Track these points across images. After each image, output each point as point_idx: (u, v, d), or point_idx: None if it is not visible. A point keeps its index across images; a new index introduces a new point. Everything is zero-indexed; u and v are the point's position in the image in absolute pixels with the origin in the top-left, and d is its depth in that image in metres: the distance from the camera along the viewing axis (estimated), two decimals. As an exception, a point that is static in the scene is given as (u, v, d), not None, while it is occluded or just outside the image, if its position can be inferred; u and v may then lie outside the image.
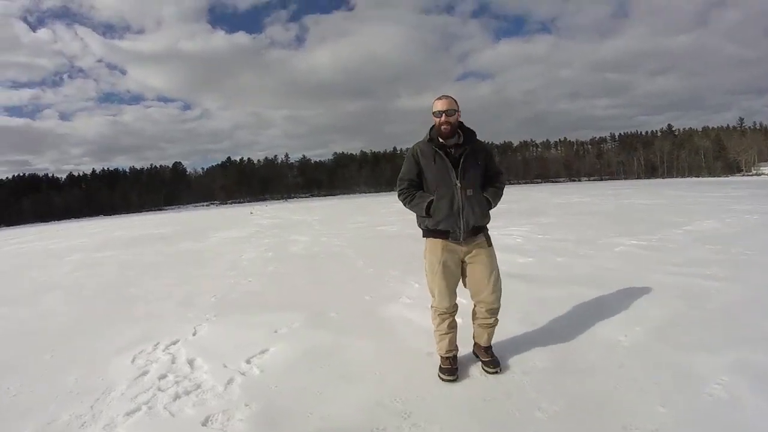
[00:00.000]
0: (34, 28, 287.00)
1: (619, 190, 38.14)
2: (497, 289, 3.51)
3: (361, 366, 3.89)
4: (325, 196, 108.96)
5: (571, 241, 9.33)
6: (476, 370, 3.65)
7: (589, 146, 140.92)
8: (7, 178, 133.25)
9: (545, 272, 6.64)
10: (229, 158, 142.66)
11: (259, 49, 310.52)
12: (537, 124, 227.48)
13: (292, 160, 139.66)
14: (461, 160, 3.28)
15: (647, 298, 5.18)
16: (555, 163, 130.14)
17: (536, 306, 5.06)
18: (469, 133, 3.42)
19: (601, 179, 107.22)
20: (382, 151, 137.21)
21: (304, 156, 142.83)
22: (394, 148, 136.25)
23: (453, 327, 3.63)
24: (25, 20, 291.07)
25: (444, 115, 3.26)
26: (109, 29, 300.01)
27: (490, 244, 3.53)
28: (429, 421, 2.98)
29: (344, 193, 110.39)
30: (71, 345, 5.16)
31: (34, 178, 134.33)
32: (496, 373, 3.54)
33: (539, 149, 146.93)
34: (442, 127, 3.27)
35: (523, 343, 4.08)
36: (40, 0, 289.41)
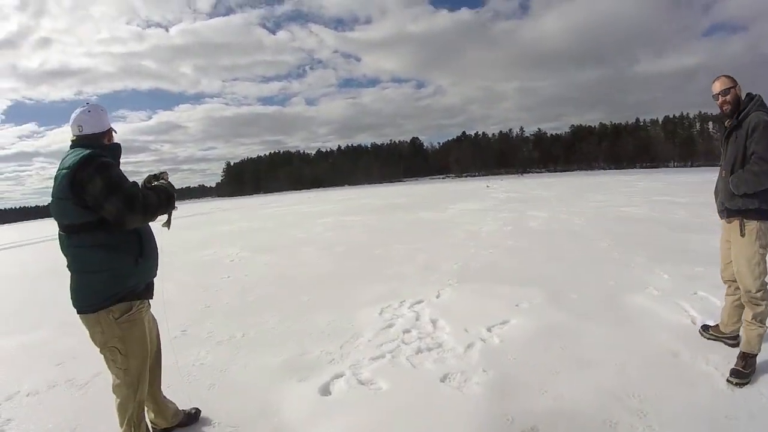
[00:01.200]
0: (273, 32, 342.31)
1: None
2: (754, 276, 3.26)
3: (600, 353, 3.70)
4: (561, 171, 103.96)
5: None
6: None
7: None
8: (265, 154, 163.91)
9: None
10: (463, 132, 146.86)
11: (483, 22, 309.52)
12: None
13: (526, 134, 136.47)
14: (727, 140, 3.36)
15: None
16: None
17: None
18: (744, 107, 3.27)
19: None
20: (623, 123, 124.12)
21: (539, 129, 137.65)
22: (637, 120, 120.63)
23: (736, 307, 3.56)
24: (263, 26, 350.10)
25: (719, 96, 3.31)
26: (339, 23, 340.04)
27: (743, 234, 3.30)
28: (664, 426, 2.72)
29: (582, 169, 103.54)
30: (325, 292, 5.95)
31: (287, 153, 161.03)
32: (737, 385, 3.15)
33: None
34: (723, 108, 3.32)
35: None
36: (273, 7, 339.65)
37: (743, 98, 3.31)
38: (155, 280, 2.61)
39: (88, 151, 2.29)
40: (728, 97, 3.28)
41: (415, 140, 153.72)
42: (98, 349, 2.42)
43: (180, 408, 3.00)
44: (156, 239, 2.60)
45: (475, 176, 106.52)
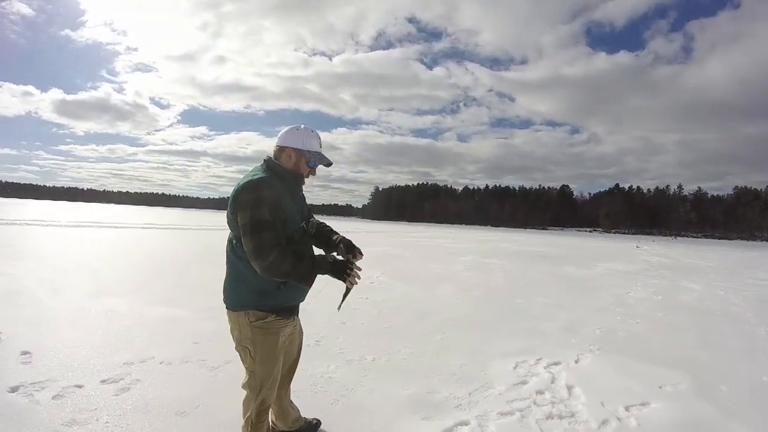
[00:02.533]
0: (430, 67, 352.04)
1: None
2: None
3: None
4: (719, 238, 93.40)
5: None
6: None
7: None
8: (413, 184, 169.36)
9: None
10: (617, 185, 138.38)
11: (643, 66, 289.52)
12: None
13: (684, 192, 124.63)
14: None
15: None
16: None
17: None
18: None
19: None
20: None
21: (699, 188, 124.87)
22: None
23: None
24: (421, 62, 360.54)
25: None
26: (495, 62, 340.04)
27: None
28: None
29: (743, 238, 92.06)
30: (459, 333, 5.90)
31: (434, 186, 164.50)
32: None
33: None
34: None
35: None
36: (431, 44, 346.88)
37: None
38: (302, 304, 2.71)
39: (258, 177, 2.38)
40: None
41: (564, 188, 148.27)
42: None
43: (302, 415, 3.12)
44: None
45: (624, 233, 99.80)
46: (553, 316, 7.42)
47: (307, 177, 2.63)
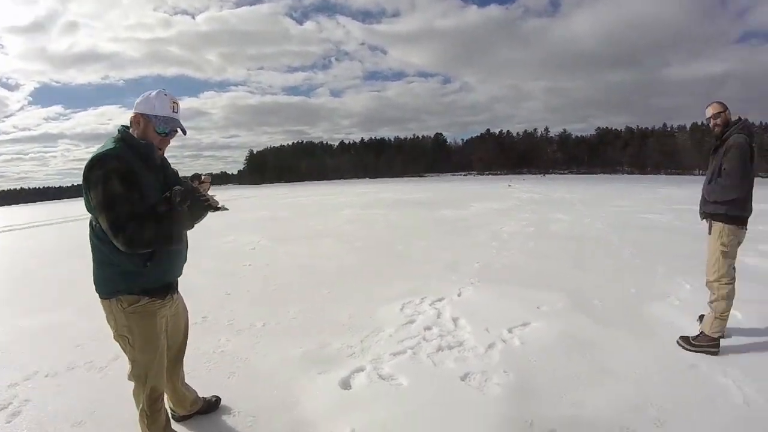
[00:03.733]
0: (300, 22, 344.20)
1: None
2: (713, 269, 3.97)
3: (619, 361, 3.73)
4: (585, 173, 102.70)
5: None
6: (746, 396, 3.18)
7: None
8: (288, 144, 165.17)
9: None
10: (488, 130, 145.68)
11: (513, 19, 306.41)
12: None
13: (551, 134, 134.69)
14: (713, 155, 4.03)
15: None
16: None
17: None
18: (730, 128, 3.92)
19: None
20: (650, 128, 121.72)
21: (564, 130, 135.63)
22: (664, 125, 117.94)
23: None
24: (291, 16, 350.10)
25: (711, 120, 3.99)
26: (367, 15, 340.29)
27: (710, 233, 4.02)
28: None
29: (606, 173, 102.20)
30: (345, 286, 5.97)
31: (310, 144, 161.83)
32: (680, 346, 3.93)
33: None
34: (714, 129, 3.97)
35: None
36: None
37: (732, 120, 3.95)
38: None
39: (104, 150, 2.19)
40: (719, 120, 3.94)
41: (438, 136, 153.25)
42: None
43: (200, 395, 3.01)
44: (187, 237, 2.51)
45: (497, 174, 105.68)
46: (434, 257, 7.74)
47: (161, 145, 2.40)
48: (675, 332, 4.23)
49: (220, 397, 3.13)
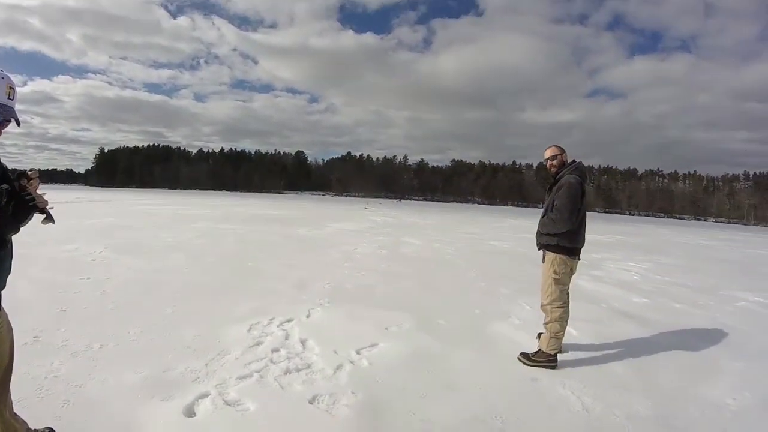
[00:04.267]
0: (174, 16, 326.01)
1: (749, 237, 34.86)
2: (546, 293, 4.50)
3: (465, 377, 4.05)
4: (438, 201, 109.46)
5: (690, 288, 8.73)
6: (584, 404, 3.66)
7: (720, 183, 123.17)
8: (143, 146, 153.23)
9: (659, 317, 6.34)
10: (349, 153, 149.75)
11: (386, 49, 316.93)
12: (665, 153, 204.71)
13: (410, 162, 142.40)
14: (549, 192, 4.62)
15: (763, 362, 4.85)
16: (681, 197, 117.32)
17: (645, 351, 4.92)
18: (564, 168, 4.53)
19: (729, 222, 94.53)
20: (501, 164, 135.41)
21: (422, 159, 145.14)
22: (514, 162, 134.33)
23: None
24: (165, 8, 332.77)
25: (548, 161, 4.59)
26: (244, 21, 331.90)
27: (543, 261, 4.58)
28: None
29: (458, 201, 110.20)
30: (192, 304, 5.76)
31: (166, 148, 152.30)
32: (521, 362, 4.38)
33: (666, 180, 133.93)
34: (551, 169, 4.58)
35: (628, 386, 4.03)
36: None
37: (567, 162, 4.52)
38: (3, 292, 2.32)
39: None
40: (555, 162, 4.50)
41: (300, 153, 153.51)
42: None
43: (31, 427, 2.73)
44: (12, 245, 2.24)
45: (355, 196, 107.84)
46: (285, 275, 7.77)
47: None
48: (516, 349, 4.68)
49: (54, 428, 2.85)
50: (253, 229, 15.31)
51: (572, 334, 4.81)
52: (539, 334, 4.77)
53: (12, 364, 2.54)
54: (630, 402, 3.72)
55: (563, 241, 4.36)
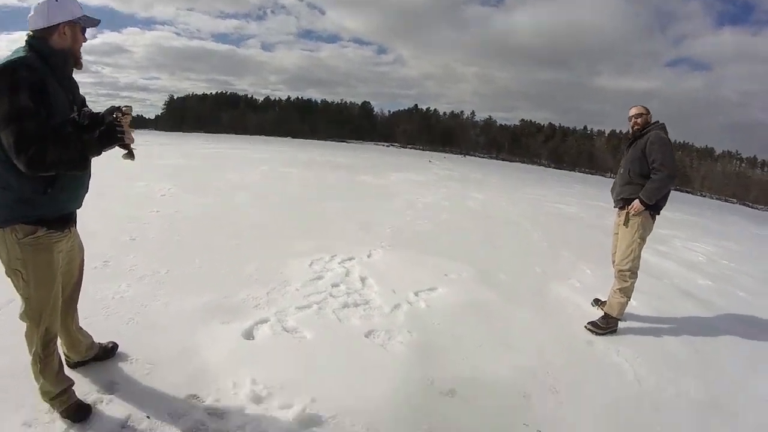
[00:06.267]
0: None
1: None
2: (627, 258, 4.24)
3: (521, 332, 3.99)
4: (504, 160, 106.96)
5: (757, 279, 7.71)
6: (637, 374, 3.56)
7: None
8: (211, 93, 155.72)
9: (722, 302, 5.85)
10: (416, 105, 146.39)
11: (458, 2, 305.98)
12: (747, 135, 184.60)
13: (477, 119, 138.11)
14: (628, 148, 4.47)
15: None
16: (758, 185, 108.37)
17: (703, 333, 4.61)
18: (648, 127, 4.32)
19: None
20: (571, 127, 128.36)
21: (489, 116, 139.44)
22: (585, 127, 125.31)
23: None
24: None
25: (632, 118, 4.35)
26: None
27: (626, 224, 4.26)
28: (574, 405, 3.05)
29: (524, 162, 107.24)
30: (255, 239, 5.87)
31: (234, 96, 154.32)
32: (590, 331, 4.17)
33: (743, 165, 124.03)
34: (634, 127, 4.36)
35: (683, 366, 3.83)
36: None
37: (651, 123, 4.30)
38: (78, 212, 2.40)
39: (14, 58, 1.99)
40: (639, 120, 4.27)
41: (366, 104, 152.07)
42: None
43: (96, 341, 2.86)
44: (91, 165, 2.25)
45: (419, 149, 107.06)
46: (348, 217, 7.80)
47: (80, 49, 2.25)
48: (575, 310, 4.61)
49: (117, 344, 2.99)
50: (317, 174, 15.43)
51: (631, 304, 4.56)
52: (596, 300, 4.73)
53: (81, 282, 2.64)
54: (683, 381, 3.57)
55: (661, 201, 4.17)
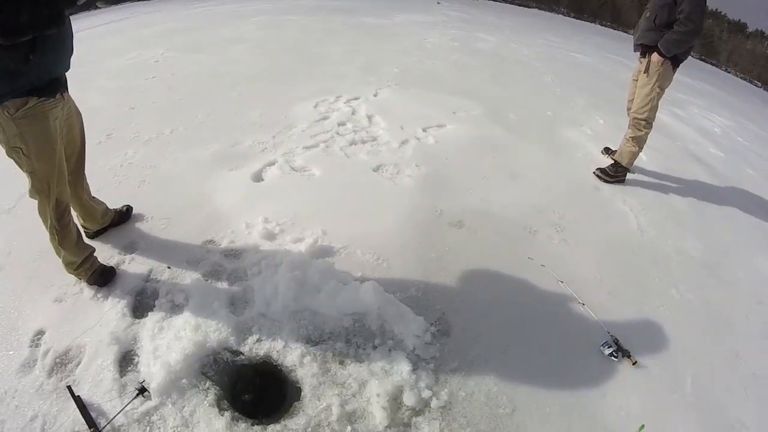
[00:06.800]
0: None
1: None
2: (646, 107, 4.00)
3: (530, 170, 4.02)
4: (519, 5, 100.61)
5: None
6: (640, 224, 3.62)
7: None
8: None
9: (731, 174, 5.66)
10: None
11: None
12: None
13: None
14: None
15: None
16: None
17: (709, 199, 4.53)
18: None
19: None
20: None
21: None
22: None
23: None
24: None
25: None
26: None
27: (647, 71, 3.93)
28: (578, 243, 3.16)
29: (541, 8, 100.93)
30: (257, 88, 5.69)
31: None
32: (598, 177, 4.18)
33: None
34: None
35: (685, 225, 3.88)
36: None
37: None
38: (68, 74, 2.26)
39: None
40: None
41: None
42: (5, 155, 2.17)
43: (110, 207, 2.88)
44: (70, 23, 2.12)
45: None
46: (352, 59, 7.48)
47: None
48: (586, 156, 4.59)
49: (132, 206, 3.03)
50: (316, 19, 14.60)
51: (641, 158, 4.50)
52: (607, 149, 4.66)
53: (84, 149, 2.58)
54: (684, 238, 3.61)
55: (685, 53, 3.90)
